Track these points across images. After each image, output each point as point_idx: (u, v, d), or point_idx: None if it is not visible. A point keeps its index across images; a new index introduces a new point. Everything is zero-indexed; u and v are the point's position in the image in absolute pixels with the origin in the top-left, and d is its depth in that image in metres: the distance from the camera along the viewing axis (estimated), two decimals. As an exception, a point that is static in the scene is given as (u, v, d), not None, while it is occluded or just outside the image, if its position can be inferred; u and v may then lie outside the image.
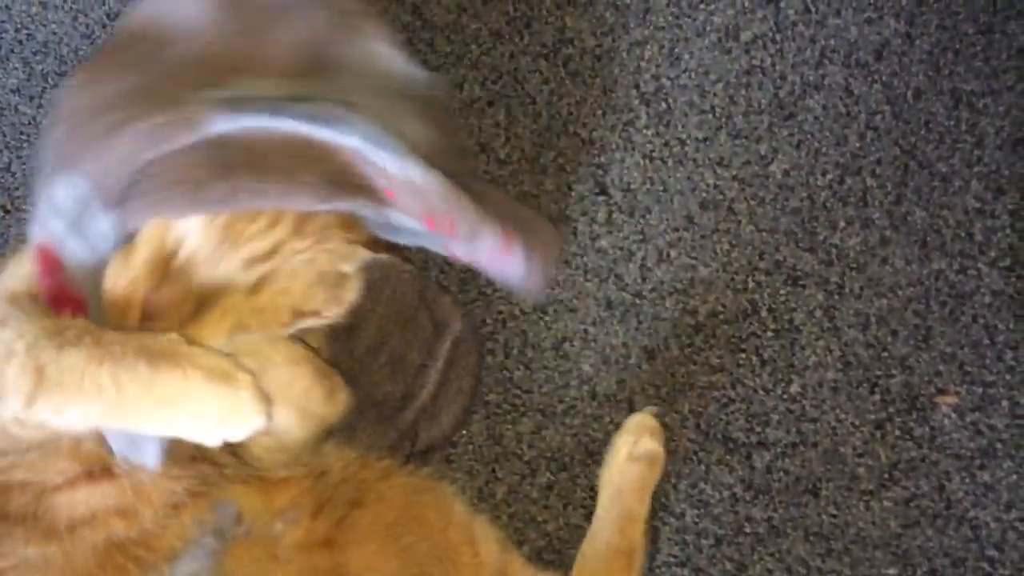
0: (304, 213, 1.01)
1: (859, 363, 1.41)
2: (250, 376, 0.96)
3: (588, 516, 1.37)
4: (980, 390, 1.40)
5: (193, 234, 0.99)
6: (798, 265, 1.43)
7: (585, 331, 1.41)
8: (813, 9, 1.49)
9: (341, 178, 1.01)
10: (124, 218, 0.99)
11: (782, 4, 1.49)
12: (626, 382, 1.40)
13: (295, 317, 1.04)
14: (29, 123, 1.45)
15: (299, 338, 1.07)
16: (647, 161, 1.45)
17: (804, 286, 1.43)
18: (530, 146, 1.45)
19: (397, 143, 1.01)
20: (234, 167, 0.98)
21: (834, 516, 1.38)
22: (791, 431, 1.39)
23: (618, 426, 1.38)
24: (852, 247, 1.44)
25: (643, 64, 1.47)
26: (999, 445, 1.39)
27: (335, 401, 1.07)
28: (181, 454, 1.00)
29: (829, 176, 1.45)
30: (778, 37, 1.48)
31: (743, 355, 1.41)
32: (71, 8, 1.51)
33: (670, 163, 1.45)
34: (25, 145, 1.44)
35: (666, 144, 1.45)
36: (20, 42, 1.50)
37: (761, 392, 1.40)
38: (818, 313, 1.42)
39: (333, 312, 1.07)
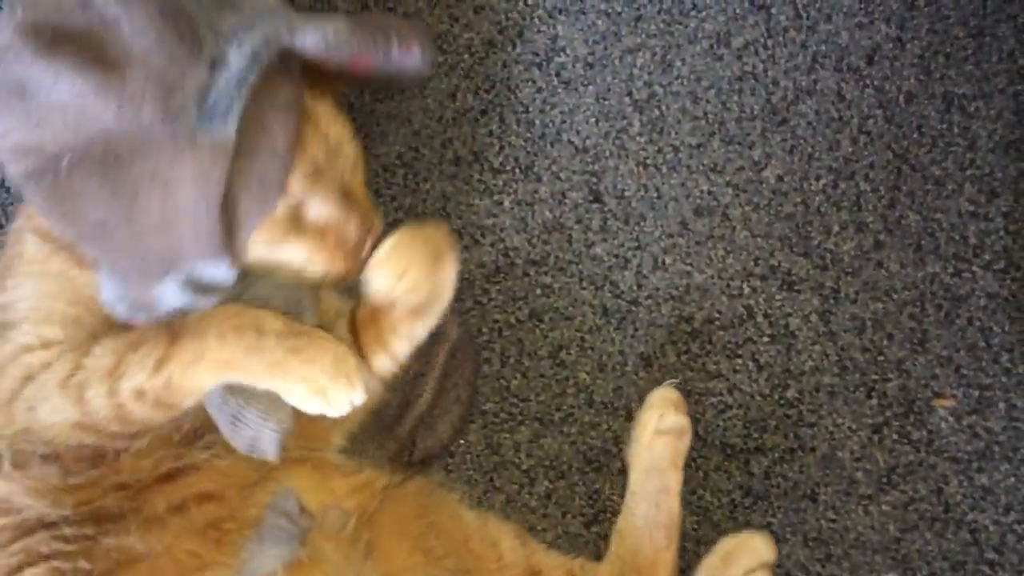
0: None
1: (855, 367, 1.41)
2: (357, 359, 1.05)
3: (587, 524, 1.37)
4: (977, 393, 1.41)
5: None
6: (793, 270, 1.43)
7: (581, 339, 1.41)
8: (804, 15, 1.49)
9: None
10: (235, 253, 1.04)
11: (773, 10, 1.49)
12: (623, 389, 1.40)
13: (412, 315, 1.17)
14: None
15: None
16: (641, 168, 1.45)
17: (799, 291, 1.43)
18: (524, 155, 1.45)
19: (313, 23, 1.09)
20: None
21: (833, 521, 1.38)
22: (789, 436, 1.40)
23: (616, 433, 1.38)
24: (847, 251, 1.44)
25: (635, 71, 1.47)
26: (996, 448, 1.39)
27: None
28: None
29: (822, 181, 1.46)
30: (770, 43, 1.48)
31: (739, 361, 1.41)
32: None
33: (664, 170, 1.45)
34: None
35: (660, 151, 1.46)
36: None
37: (758, 398, 1.40)
38: (814, 318, 1.42)
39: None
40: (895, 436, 1.40)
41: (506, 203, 1.43)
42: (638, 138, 1.46)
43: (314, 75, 1.09)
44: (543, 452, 1.39)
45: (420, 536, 1.14)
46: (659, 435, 1.33)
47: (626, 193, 1.44)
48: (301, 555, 1.04)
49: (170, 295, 1.03)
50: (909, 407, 1.40)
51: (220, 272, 1.03)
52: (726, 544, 1.32)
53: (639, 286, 1.42)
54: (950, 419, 1.40)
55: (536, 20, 1.47)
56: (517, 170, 1.44)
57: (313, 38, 1.07)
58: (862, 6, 1.49)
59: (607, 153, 1.45)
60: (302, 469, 1.12)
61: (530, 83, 1.46)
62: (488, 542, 1.21)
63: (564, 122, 1.45)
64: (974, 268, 1.44)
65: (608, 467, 1.38)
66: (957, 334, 1.42)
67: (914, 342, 1.42)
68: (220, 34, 1.00)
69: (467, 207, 1.43)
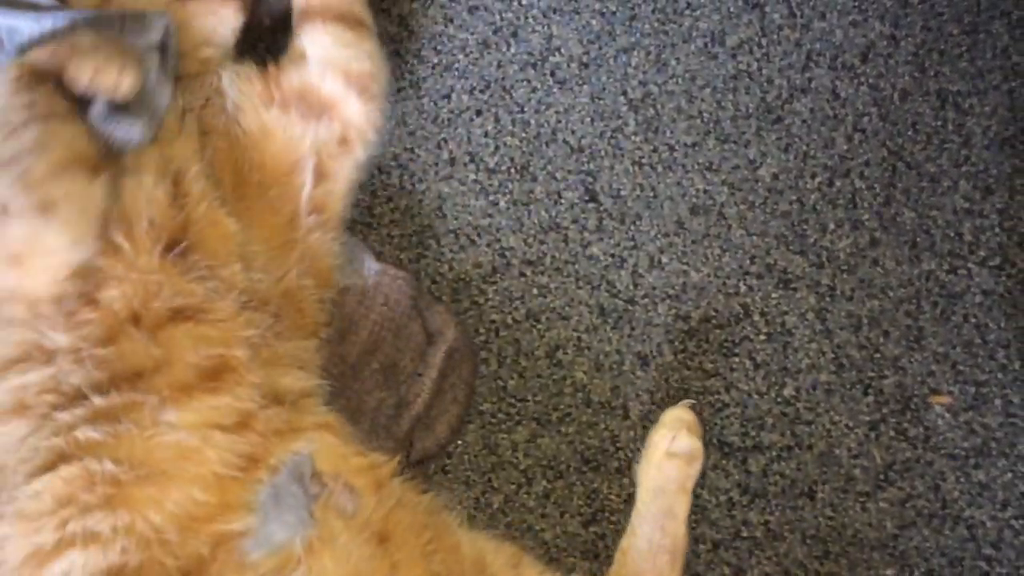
0: None
1: (852, 365, 1.41)
2: None
3: (585, 523, 1.37)
4: (973, 389, 1.41)
5: None
6: (789, 268, 1.44)
7: (578, 339, 1.41)
8: (798, 13, 1.49)
9: None
10: None
11: (767, 8, 1.49)
12: (620, 389, 1.40)
13: None
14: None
15: None
16: (636, 167, 1.45)
17: (795, 289, 1.43)
18: (519, 155, 1.45)
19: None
20: None
21: (831, 518, 1.38)
22: (786, 434, 1.40)
23: (613, 433, 1.38)
24: (842, 249, 1.44)
25: (630, 71, 1.47)
26: (993, 444, 1.40)
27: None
28: (270, 391, 1.09)
29: (818, 179, 1.46)
30: (764, 41, 1.49)
31: (736, 359, 1.41)
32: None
33: (659, 169, 1.45)
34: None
35: (655, 150, 1.46)
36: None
37: (755, 396, 1.41)
38: (810, 316, 1.42)
39: None
40: (892, 433, 1.40)
41: (502, 203, 1.43)
42: (633, 137, 1.46)
43: None
44: (541, 452, 1.39)
45: (426, 546, 1.14)
46: (670, 457, 1.30)
47: (622, 192, 1.44)
48: (312, 535, 1.03)
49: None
50: (906, 404, 1.41)
51: None
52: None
53: (635, 285, 1.43)
54: (947, 416, 1.40)
55: (531, 20, 1.47)
56: (513, 170, 1.44)
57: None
58: (856, 4, 1.49)
59: (602, 152, 1.45)
60: (324, 432, 1.12)
61: (525, 83, 1.46)
62: (479, 567, 1.20)
63: (559, 122, 1.46)
64: (969, 265, 1.44)
65: (606, 466, 1.38)
66: (953, 331, 1.42)
67: (910, 339, 1.42)
68: None
69: (463, 207, 1.43)
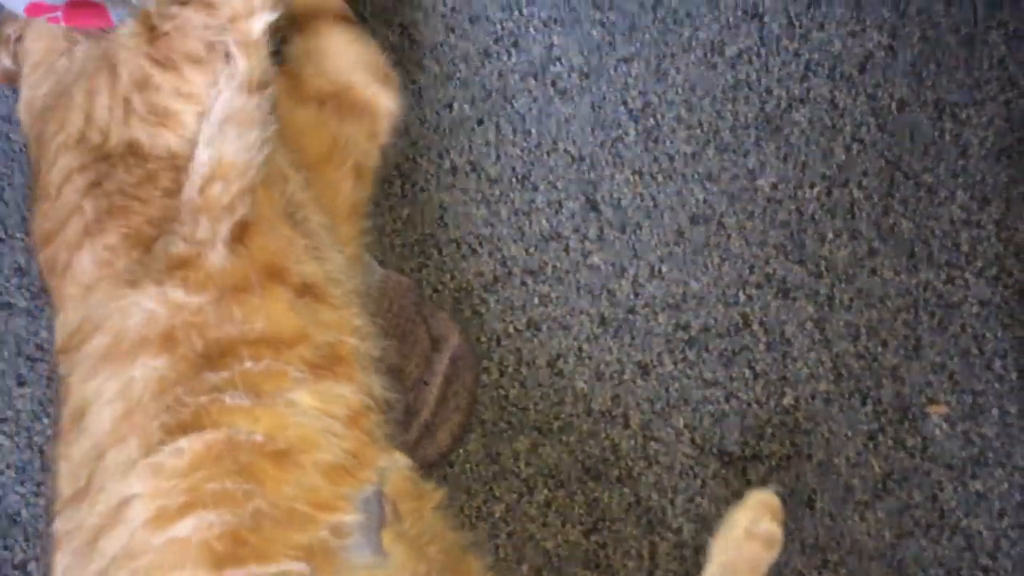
0: None
1: (850, 374, 1.42)
2: None
3: (587, 533, 1.37)
4: (970, 399, 1.42)
5: None
6: (788, 278, 1.44)
7: (579, 348, 1.42)
8: (797, 23, 1.50)
9: None
10: None
11: (766, 19, 1.50)
12: (621, 398, 1.41)
13: None
14: (20, 150, 1.45)
15: None
16: (637, 177, 1.46)
17: (794, 299, 1.44)
18: (520, 164, 1.45)
19: None
20: None
21: (829, 528, 1.39)
22: (785, 444, 1.41)
23: (614, 442, 1.39)
24: (841, 259, 1.45)
25: (630, 81, 1.48)
26: (990, 454, 1.41)
27: None
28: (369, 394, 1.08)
29: (816, 189, 1.47)
30: (763, 51, 1.49)
31: (736, 368, 1.42)
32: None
33: (659, 179, 1.46)
34: (16, 173, 1.43)
35: (655, 160, 1.46)
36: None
37: (754, 405, 1.41)
38: (809, 325, 1.43)
39: None
40: (890, 443, 1.41)
41: (503, 213, 1.44)
42: (633, 147, 1.46)
43: None
44: (542, 461, 1.39)
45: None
46: (749, 538, 1.27)
47: (622, 202, 1.45)
48: (384, 562, 1.03)
49: None
50: (904, 414, 1.42)
51: None
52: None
53: (636, 295, 1.43)
54: (944, 425, 1.41)
55: (532, 30, 1.48)
56: (514, 180, 1.45)
57: None
58: (854, 15, 1.50)
59: (603, 162, 1.46)
60: (401, 454, 1.12)
61: (526, 93, 1.47)
62: None
63: (560, 132, 1.46)
64: (967, 275, 1.45)
65: (607, 475, 1.39)
66: (950, 341, 1.43)
67: (908, 349, 1.43)
68: None
69: (464, 217, 1.44)
